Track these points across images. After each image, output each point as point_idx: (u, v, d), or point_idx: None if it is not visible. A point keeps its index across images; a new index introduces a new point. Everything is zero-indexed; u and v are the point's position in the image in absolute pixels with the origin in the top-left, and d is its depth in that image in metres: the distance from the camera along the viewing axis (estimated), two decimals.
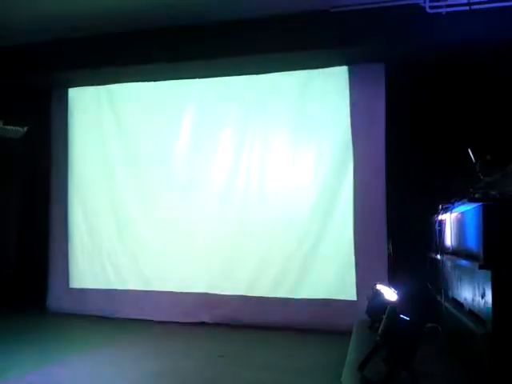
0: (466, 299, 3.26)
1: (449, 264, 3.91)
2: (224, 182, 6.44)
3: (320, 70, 6.12)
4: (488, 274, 2.63)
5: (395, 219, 5.63)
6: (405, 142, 5.66)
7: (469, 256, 3.07)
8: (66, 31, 6.12)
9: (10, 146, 6.58)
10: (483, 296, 2.74)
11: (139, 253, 6.70)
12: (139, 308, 6.48)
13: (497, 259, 2.59)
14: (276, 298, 6.06)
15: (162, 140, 6.72)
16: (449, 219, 3.85)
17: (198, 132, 6.60)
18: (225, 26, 5.82)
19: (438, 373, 3.11)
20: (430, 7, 5.13)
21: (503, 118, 5.16)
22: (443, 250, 4.05)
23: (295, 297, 6.00)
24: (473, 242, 2.97)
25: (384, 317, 3.12)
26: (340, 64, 6.03)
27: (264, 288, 6.13)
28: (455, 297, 3.66)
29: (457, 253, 3.50)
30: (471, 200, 2.95)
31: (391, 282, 5.16)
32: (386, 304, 3.57)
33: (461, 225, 3.40)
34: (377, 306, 4.14)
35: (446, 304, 3.89)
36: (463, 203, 3.23)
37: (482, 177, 3.37)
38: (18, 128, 5.60)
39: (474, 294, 2.98)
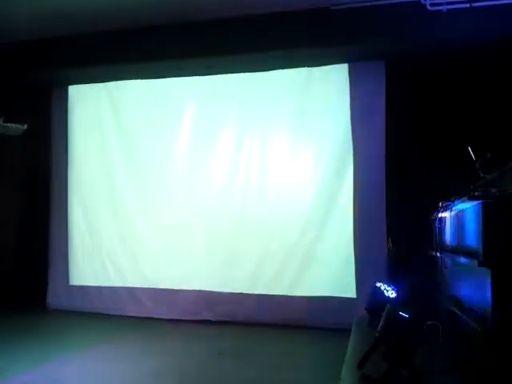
0: (465, 297, 3.26)
1: (448, 261, 3.91)
2: (224, 181, 6.44)
3: (320, 68, 6.12)
4: (487, 271, 2.63)
5: (395, 216, 5.64)
6: (405, 139, 5.67)
7: (468, 253, 3.07)
8: (66, 29, 6.12)
9: (9, 144, 6.58)
10: (482, 293, 2.74)
11: (139, 250, 6.71)
12: (139, 305, 6.50)
13: (496, 257, 2.59)
14: (276, 295, 6.07)
15: (162, 138, 6.73)
16: (449, 217, 3.85)
17: (198, 130, 6.60)
18: (225, 23, 5.81)
19: (438, 370, 3.12)
20: (431, 5, 5.13)
21: (503, 115, 5.16)
22: (443, 247, 4.05)
23: (295, 294, 6.01)
24: (472, 240, 2.97)
25: (383, 314, 3.13)
26: (340, 62, 6.03)
27: (264, 285, 6.13)
28: (455, 294, 3.67)
29: (456, 250, 3.50)
30: (471, 198, 2.95)
31: (391, 279, 5.16)
32: (385, 301, 3.58)
33: (461, 222, 3.39)
34: (376, 304, 4.14)
35: (446, 301, 3.89)
36: (463, 201, 3.23)
37: (481, 175, 3.37)
38: (18, 125, 5.59)
39: (474, 291, 2.98)
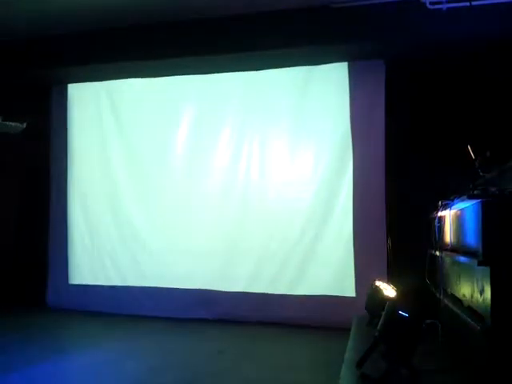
0: (464, 295, 3.26)
1: (448, 260, 3.91)
2: (223, 180, 6.44)
3: (320, 67, 6.11)
4: (487, 270, 2.63)
5: (394, 215, 5.64)
6: (404, 138, 5.67)
7: (468, 252, 3.07)
8: (65, 27, 6.11)
9: (9, 142, 6.57)
10: (482, 292, 2.74)
11: (139, 249, 6.71)
12: (138, 304, 6.49)
13: (496, 256, 2.58)
14: (275, 294, 6.07)
15: (162, 137, 6.72)
16: (448, 216, 3.84)
17: (197, 129, 6.59)
18: (225, 21, 5.80)
19: (437, 369, 3.11)
20: (431, 3, 5.12)
21: (503, 114, 5.15)
22: (442, 246, 4.04)
23: (294, 293, 6.02)
24: (472, 239, 2.96)
25: (383, 313, 3.13)
26: (340, 60, 6.02)
27: (263, 284, 6.13)
28: (454, 293, 3.66)
29: (456, 249, 3.49)
30: (470, 197, 2.94)
31: (390, 278, 5.17)
32: (385, 300, 3.58)
33: (460, 221, 3.39)
34: (376, 303, 4.14)
35: (445, 300, 3.89)
36: (463, 200, 3.23)
37: (481, 173, 3.37)
38: (18, 124, 5.58)
39: (473, 290, 2.98)
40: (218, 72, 6.44)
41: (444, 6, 5.09)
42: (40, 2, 5.55)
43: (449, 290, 3.89)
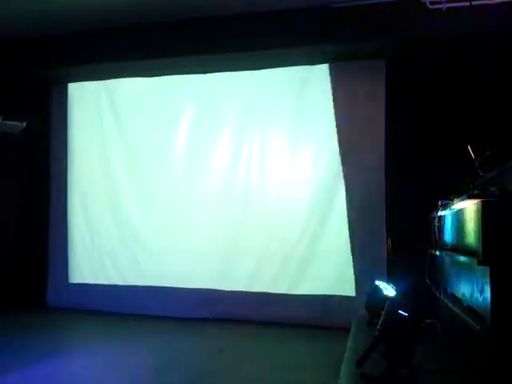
0: (464, 295, 3.26)
1: (448, 260, 3.91)
2: (223, 180, 6.43)
3: (320, 66, 6.11)
4: (487, 270, 2.63)
5: (394, 215, 5.64)
6: (404, 138, 5.66)
7: (468, 252, 3.07)
8: (65, 26, 6.10)
9: (9, 142, 6.57)
10: (482, 292, 2.74)
11: (139, 248, 6.70)
12: (139, 303, 6.49)
13: (495, 255, 2.59)
14: (275, 293, 6.07)
15: (162, 136, 6.72)
16: (448, 215, 3.85)
17: (197, 129, 6.59)
18: (225, 21, 5.80)
19: (437, 369, 3.11)
20: (430, 3, 5.11)
21: (503, 114, 5.15)
22: (442, 246, 4.05)
23: (294, 293, 6.02)
24: (472, 239, 2.97)
25: (383, 313, 3.13)
26: (340, 60, 6.01)
27: (263, 284, 6.13)
28: (454, 293, 3.67)
29: (456, 249, 3.50)
30: (470, 196, 2.95)
31: (390, 277, 5.17)
32: (384, 300, 3.58)
33: (460, 221, 3.39)
34: (376, 302, 4.15)
35: (445, 300, 3.89)
36: (462, 199, 3.23)
37: (481, 173, 3.37)
38: (18, 123, 5.58)
39: (473, 290, 2.98)
40: (217, 71, 6.44)
41: (444, 6, 5.09)
42: (40, 1, 5.55)
43: (448, 289, 3.90)
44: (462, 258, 3.21)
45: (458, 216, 3.45)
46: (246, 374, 4.13)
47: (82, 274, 6.95)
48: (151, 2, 5.56)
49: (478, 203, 2.80)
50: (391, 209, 5.67)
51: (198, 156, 6.56)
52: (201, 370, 4.24)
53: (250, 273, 6.20)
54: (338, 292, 5.85)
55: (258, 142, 6.36)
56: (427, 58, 5.52)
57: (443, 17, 5.10)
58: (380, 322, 3.08)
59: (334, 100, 5.96)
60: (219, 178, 6.45)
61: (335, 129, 6.01)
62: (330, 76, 6.03)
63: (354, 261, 5.80)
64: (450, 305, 3.67)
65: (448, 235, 3.89)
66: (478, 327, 2.75)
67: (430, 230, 4.51)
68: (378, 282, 4.43)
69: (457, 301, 3.52)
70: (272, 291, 6.09)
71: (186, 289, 6.37)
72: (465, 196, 3.10)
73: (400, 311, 2.87)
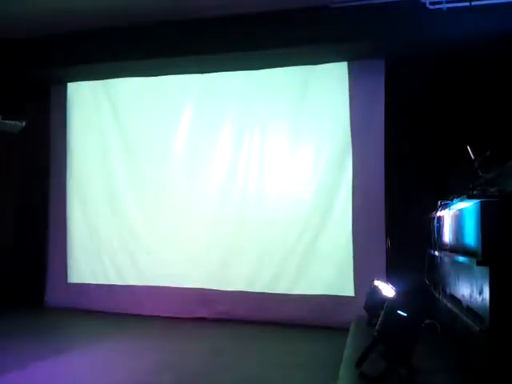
0: (463, 296, 3.26)
1: (447, 261, 3.91)
2: (223, 179, 6.43)
3: (320, 66, 6.11)
4: (486, 270, 2.63)
5: (394, 215, 5.64)
6: (404, 138, 5.67)
7: (467, 253, 3.07)
8: (65, 26, 6.10)
9: (9, 142, 6.57)
10: (481, 292, 2.74)
11: (138, 248, 6.70)
12: (138, 303, 6.49)
13: (495, 256, 2.59)
14: (275, 293, 6.07)
15: (161, 136, 6.71)
16: (447, 216, 3.84)
17: (197, 128, 6.59)
18: (225, 21, 5.80)
19: (436, 369, 3.11)
20: (431, 3, 5.12)
21: (503, 114, 5.15)
22: (442, 246, 4.05)
23: (294, 293, 6.01)
24: (471, 239, 2.97)
25: (382, 313, 3.12)
26: (340, 60, 6.01)
27: (263, 284, 6.14)
28: (453, 293, 3.66)
29: (455, 249, 3.50)
30: (470, 197, 2.94)
31: (389, 278, 5.16)
32: (384, 300, 3.57)
33: (459, 221, 3.39)
34: (375, 302, 4.14)
35: (444, 300, 3.89)
36: (462, 200, 3.23)
37: (481, 174, 3.37)
38: (17, 123, 5.57)
39: (472, 290, 2.98)
40: (217, 71, 6.43)
41: (444, 6, 5.09)
42: (40, 1, 5.55)
43: (448, 290, 3.89)
44: (462, 259, 3.21)
45: (458, 216, 3.45)
46: (245, 373, 4.12)
47: (80, 274, 6.94)
48: (151, 3, 5.56)
49: (477, 203, 2.80)
50: (391, 209, 5.66)
51: (197, 156, 6.56)
52: (200, 370, 4.23)
53: (250, 273, 6.20)
54: (338, 292, 5.85)
55: (258, 142, 6.36)
56: (427, 58, 5.52)
57: (443, 17, 5.10)
58: (379, 322, 3.07)
59: (336, 100, 5.97)
60: (219, 178, 6.45)
61: (335, 129, 6.02)
62: (330, 76, 6.03)
63: (353, 261, 5.80)
64: (450, 305, 3.66)
65: (447, 235, 3.88)
66: (478, 328, 2.74)
67: (429, 230, 4.51)
68: (377, 282, 4.42)
69: (456, 301, 3.51)
70: (271, 291, 6.09)
71: (185, 289, 6.36)
72: (464, 196, 3.10)
73: (399, 311, 2.87)
